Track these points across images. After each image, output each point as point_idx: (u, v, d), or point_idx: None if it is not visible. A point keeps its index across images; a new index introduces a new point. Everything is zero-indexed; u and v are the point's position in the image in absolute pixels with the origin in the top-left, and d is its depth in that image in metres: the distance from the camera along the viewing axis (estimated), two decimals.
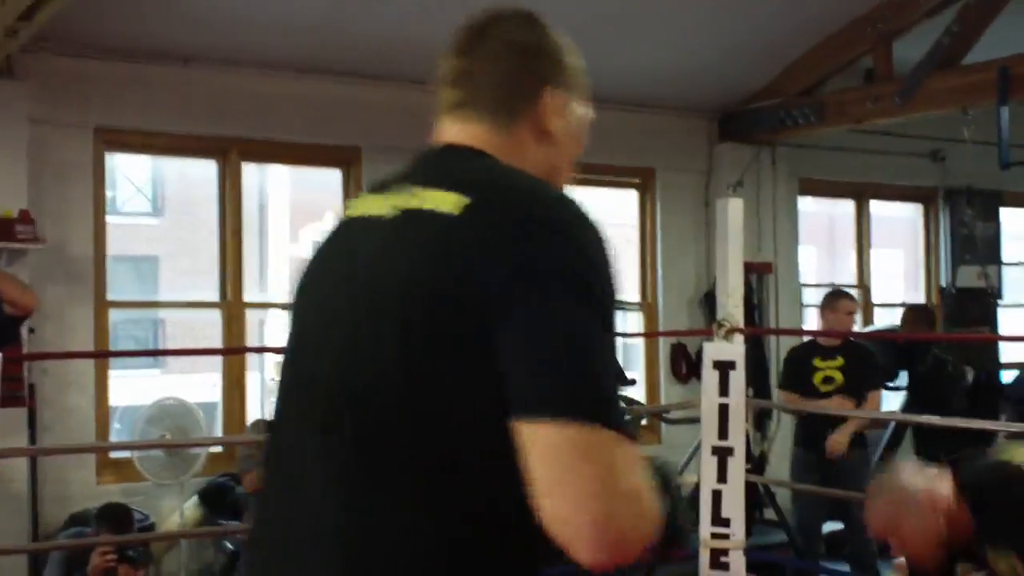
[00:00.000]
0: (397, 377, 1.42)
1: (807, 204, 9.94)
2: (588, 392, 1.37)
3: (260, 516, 1.64)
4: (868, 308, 9.58)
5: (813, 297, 9.88)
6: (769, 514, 7.12)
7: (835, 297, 6.72)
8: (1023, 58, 6.89)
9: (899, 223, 10.96)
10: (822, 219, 13.80)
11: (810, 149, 8.84)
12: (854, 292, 9.46)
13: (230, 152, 7.27)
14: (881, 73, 7.65)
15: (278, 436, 1.61)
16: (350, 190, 7.66)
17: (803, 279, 9.59)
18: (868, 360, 6.45)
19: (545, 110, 1.68)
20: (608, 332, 1.43)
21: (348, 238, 1.61)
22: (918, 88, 7.23)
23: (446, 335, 1.41)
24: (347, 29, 6.85)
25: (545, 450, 1.35)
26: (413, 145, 6.09)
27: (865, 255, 9.64)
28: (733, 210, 5.80)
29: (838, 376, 6.40)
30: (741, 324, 5.65)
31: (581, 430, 1.35)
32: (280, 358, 1.79)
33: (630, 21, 7.21)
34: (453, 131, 1.67)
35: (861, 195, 9.65)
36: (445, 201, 1.47)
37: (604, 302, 1.43)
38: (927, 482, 3.26)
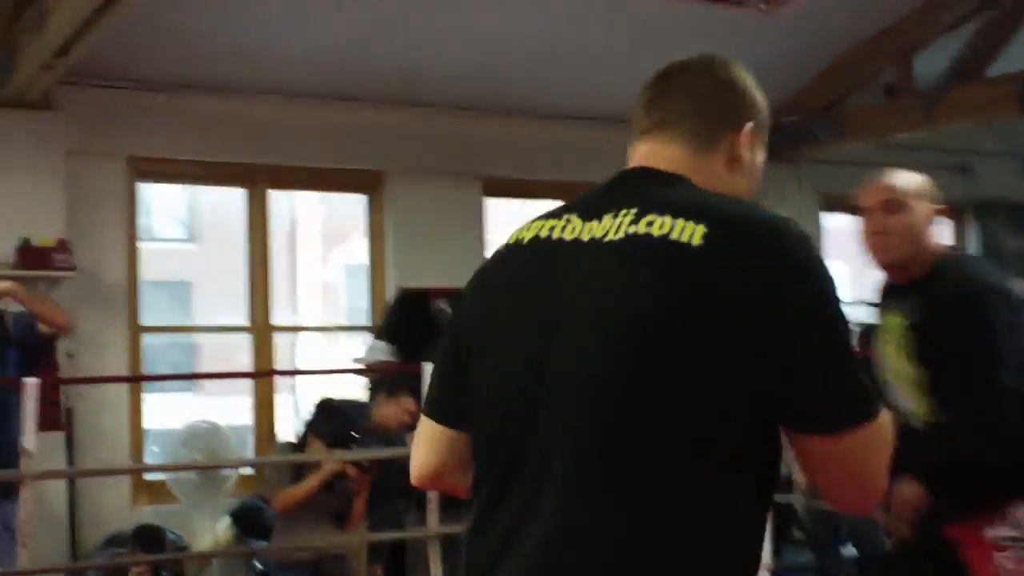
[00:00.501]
0: (662, 392, 1.54)
1: (839, 221, 9.92)
2: (866, 395, 1.59)
3: (500, 522, 1.65)
4: None
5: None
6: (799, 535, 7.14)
7: None
8: None
9: None
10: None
11: (834, 165, 8.86)
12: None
13: (257, 179, 7.41)
14: (902, 87, 7.69)
15: (512, 444, 1.65)
16: (374, 213, 7.77)
17: None
18: None
19: (742, 140, 1.79)
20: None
21: (573, 259, 1.66)
22: (941, 101, 7.26)
23: (711, 356, 1.52)
24: (369, 56, 6.99)
25: (845, 454, 1.58)
26: (435, 167, 6.24)
27: None
28: None
29: None
30: None
31: (872, 426, 1.58)
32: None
33: (649, 39, 7.28)
34: (649, 151, 1.78)
35: None
36: (685, 230, 1.57)
37: (845, 316, 1.60)
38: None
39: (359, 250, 8.18)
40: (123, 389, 6.87)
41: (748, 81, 1.86)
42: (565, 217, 1.72)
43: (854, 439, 1.56)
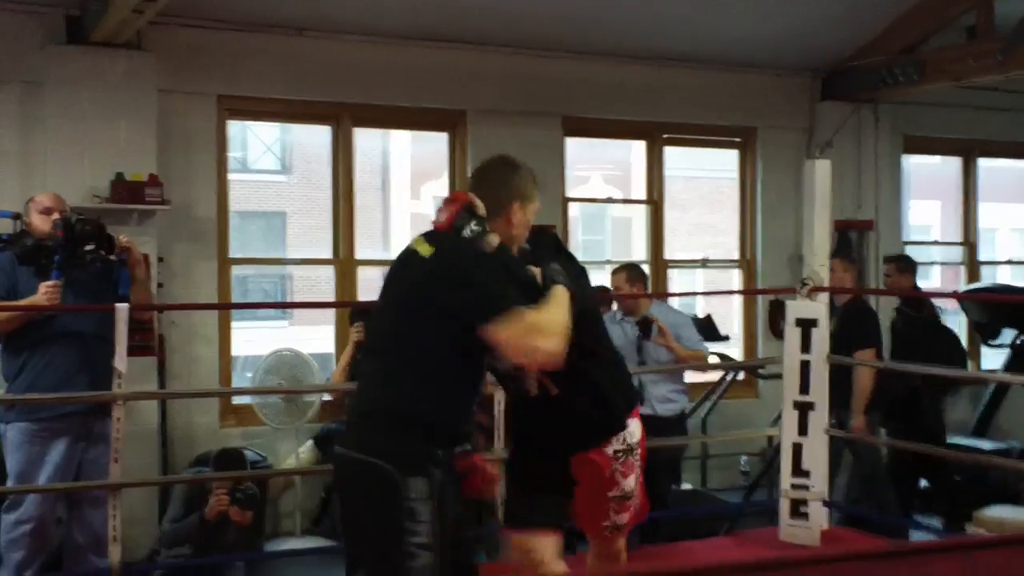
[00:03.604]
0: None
1: (921, 161, 9.90)
2: None
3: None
4: (974, 266, 9.55)
5: (926, 254, 9.88)
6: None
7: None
8: None
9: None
10: (948, 173, 13.54)
11: (915, 106, 8.83)
12: (959, 249, 9.48)
13: (342, 117, 7.66)
14: (982, 31, 7.63)
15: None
16: (456, 152, 7.98)
17: (912, 236, 9.59)
18: (856, 320, 6.57)
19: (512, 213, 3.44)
20: None
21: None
22: (1019, 46, 7.20)
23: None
24: None
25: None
26: (515, 106, 6.48)
27: (972, 212, 9.59)
28: (820, 171, 5.87)
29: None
30: (825, 283, 5.76)
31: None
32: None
33: None
34: None
35: (968, 152, 9.58)
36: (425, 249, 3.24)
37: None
38: None
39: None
40: (213, 318, 7.23)
41: (518, 174, 3.38)
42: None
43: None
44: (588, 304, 3.53)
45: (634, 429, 3.64)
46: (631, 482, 3.67)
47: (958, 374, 7.03)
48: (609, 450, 3.59)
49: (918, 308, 6.99)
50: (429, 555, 3.07)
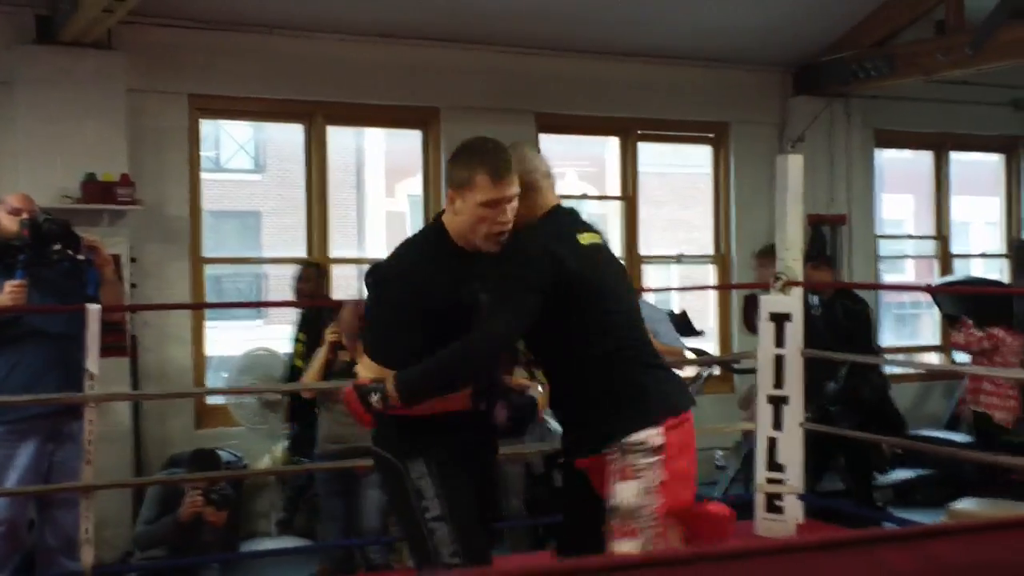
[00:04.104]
0: None
1: (906, 154, 9.96)
2: None
3: None
4: (947, 259, 9.60)
5: (899, 247, 9.91)
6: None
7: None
8: None
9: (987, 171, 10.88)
10: (921, 168, 13.58)
11: (886, 100, 8.86)
12: (932, 243, 9.51)
13: (315, 115, 7.63)
14: (952, 25, 7.67)
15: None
16: (430, 149, 7.96)
17: (885, 230, 9.63)
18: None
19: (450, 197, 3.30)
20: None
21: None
22: (988, 40, 7.24)
23: None
24: None
25: None
26: (489, 103, 6.45)
27: (944, 206, 9.64)
28: (792, 166, 5.88)
29: None
30: (799, 277, 5.77)
31: None
32: None
33: None
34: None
35: (940, 146, 9.62)
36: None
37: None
38: None
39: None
40: (186, 318, 7.19)
41: (456, 160, 3.20)
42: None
43: None
44: (599, 274, 3.24)
45: (643, 437, 3.12)
46: (629, 492, 3.08)
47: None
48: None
49: (856, 300, 7.00)
50: (446, 526, 3.16)
